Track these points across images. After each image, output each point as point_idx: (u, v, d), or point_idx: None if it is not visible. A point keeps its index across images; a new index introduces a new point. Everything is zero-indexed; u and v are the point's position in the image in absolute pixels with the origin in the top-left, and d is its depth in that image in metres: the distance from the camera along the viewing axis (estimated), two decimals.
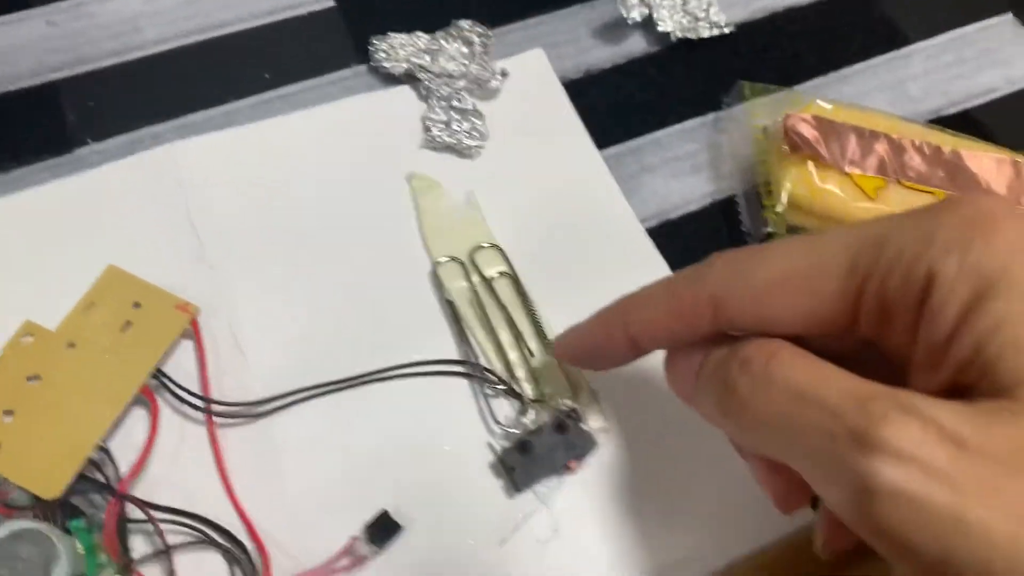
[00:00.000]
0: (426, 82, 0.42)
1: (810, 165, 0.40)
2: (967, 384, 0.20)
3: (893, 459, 0.18)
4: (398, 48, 0.43)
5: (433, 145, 0.41)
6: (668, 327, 0.27)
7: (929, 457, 0.18)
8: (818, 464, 0.21)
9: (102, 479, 0.32)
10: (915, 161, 0.41)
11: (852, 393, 0.20)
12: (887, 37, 0.49)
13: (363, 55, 0.44)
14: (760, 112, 0.43)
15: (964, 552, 0.17)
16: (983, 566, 0.17)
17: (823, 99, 0.42)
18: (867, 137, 0.41)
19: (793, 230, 0.41)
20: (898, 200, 0.40)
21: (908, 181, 0.40)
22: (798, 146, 0.40)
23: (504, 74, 0.43)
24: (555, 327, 0.37)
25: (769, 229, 0.40)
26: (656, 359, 0.29)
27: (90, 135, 0.40)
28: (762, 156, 0.42)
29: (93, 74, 0.42)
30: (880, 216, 0.23)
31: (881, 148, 0.41)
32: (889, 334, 0.22)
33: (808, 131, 0.40)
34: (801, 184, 0.40)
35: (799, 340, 0.24)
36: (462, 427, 0.35)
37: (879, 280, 0.22)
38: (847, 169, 0.40)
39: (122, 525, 0.31)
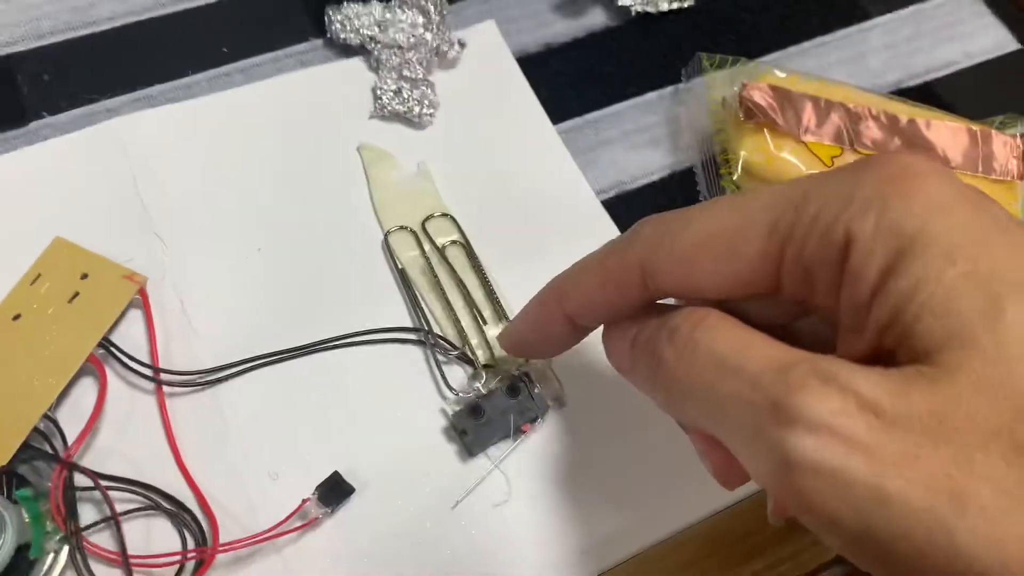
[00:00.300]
0: (376, 53, 0.42)
1: (766, 133, 0.40)
2: (889, 348, 0.19)
3: (811, 431, 0.18)
4: (353, 19, 0.43)
5: (383, 114, 0.41)
6: (602, 299, 0.26)
7: (847, 428, 0.18)
8: (741, 436, 0.20)
9: (49, 449, 0.32)
10: (872, 129, 0.41)
11: (772, 361, 0.20)
12: (847, 11, 0.49)
13: (320, 28, 0.44)
14: (718, 84, 0.43)
15: (884, 524, 0.17)
16: (903, 538, 0.17)
17: (779, 68, 0.42)
18: (823, 106, 0.41)
19: None
20: None
21: (864, 149, 0.40)
22: (754, 114, 0.40)
23: (462, 44, 0.43)
24: (508, 294, 0.37)
25: None
26: None
27: (45, 109, 0.40)
28: (719, 126, 0.42)
29: (48, 48, 0.42)
30: (804, 175, 0.23)
31: (837, 117, 0.41)
32: (814, 297, 0.22)
33: (763, 99, 0.40)
34: (757, 152, 0.40)
35: (736, 308, 0.23)
36: (415, 393, 0.35)
37: (799, 241, 0.21)
38: (803, 137, 0.40)
39: (69, 493, 0.31)
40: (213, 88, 0.42)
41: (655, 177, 0.42)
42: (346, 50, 0.43)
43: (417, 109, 0.41)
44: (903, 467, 0.17)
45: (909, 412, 0.17)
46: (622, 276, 0.25)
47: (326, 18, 0.43)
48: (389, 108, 0.41)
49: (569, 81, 0.45)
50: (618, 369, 0.28)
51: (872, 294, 0.19)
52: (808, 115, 0.41)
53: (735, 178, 0.40)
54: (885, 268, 0.19)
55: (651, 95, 0.45)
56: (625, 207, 0.41)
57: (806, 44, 0.48)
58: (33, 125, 0.40)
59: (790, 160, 0.40)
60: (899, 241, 0.19)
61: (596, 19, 0.47)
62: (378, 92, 0.41)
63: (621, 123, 0.44)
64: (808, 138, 0.40)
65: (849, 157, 0.40)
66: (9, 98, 0.40)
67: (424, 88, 0.41)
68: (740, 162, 0.40)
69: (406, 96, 0.41)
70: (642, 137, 0.43)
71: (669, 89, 0.45)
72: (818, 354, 0.19)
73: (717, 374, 0.21)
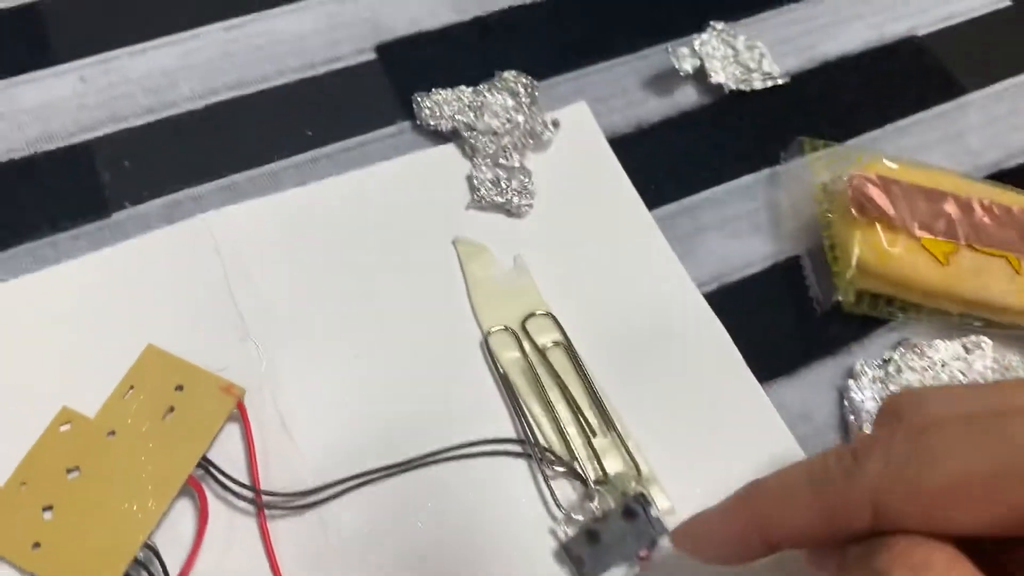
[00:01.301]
0: (471, 140, 0.41)
1: (879, 228, 0.38)
2: None
3: None
4: (443, 104, 0.41)
5: (481, 205, 0.40)
6: (815, 531, 0.24)
7: None
8: None
9: None
10: (985, 222, 0.39)
11: None
12: (942, 87, 0.48)
13: (408, 110, 0.42)
14: (820, 168, 0.42)
15: None
16: None
17: (888, 158, 0.41)
18: (935, 198, 0.39)
19: (862, 296, 0.39)
20: (970, 266, 0.38)
21: (979, 245, 0.39)
22: (865, 208, 0.38)
23: (556, 124, 0.41)
24: (614, 398, 0.36)
25: (839, 297, 0.38)
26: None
27: (128, 198, 0.39)
28: (825, 217, 0.40)
29: (128, 132, 0.40)
30: None
31: (950, 209, 0.39)
32: None
33: (876, 193, 0.39)
34: (869, 248, 0.38)
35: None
36: (523, 512, 0.34)
37: None
38: (916, 232, 0.38)
39: None
40: (300, 175, 0.40)
41: (757, 268, 0.41)
42: (435, 135, 0.41)
43: (516, 200, 0.39)
44: None
45: None
46: (845, 511, 0.22)
47: (414, 105, 0.41)
48: (487, 199, 0.39)
49: (662, 163, 0.43)
50: None
51: None
52: (921, 209, 0.39)
53: (849, 276, 0.38)
54: None
55: (747, 178, 0.43)
56: (729, 301, 0.39)
57: (902, 122, 0.46)
58: (116, 216, 0.38)
59: (904, 257, 0.38)
60: None
61: (688, 98, 0.45)
62: (475, 182, 0.39)
63: (719, 208, 0.42)
64: (922, 234, 0.38)
65: (964, 254, 0.39)
66: (90, 186, 0.39)
67: (522, 177, 0.40)
68: (854, 259, 0.38)
69: (504, 186, 0.39)
70: (741, 224, 0.42)
71: (765, 172, 0.43)
72: None
73: None
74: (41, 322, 0.35)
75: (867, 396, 0.37)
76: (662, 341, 0.38)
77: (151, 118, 0.41)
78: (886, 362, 0.38)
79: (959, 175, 0.41)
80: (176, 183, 0.39)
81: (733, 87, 0.45)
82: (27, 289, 0.35)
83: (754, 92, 0.45)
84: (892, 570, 0.20)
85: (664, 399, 0.37)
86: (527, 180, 0.40)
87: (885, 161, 0.40)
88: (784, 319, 0.39)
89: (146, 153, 0.40)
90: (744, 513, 0.26)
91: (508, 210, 0.40)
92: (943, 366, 0.38)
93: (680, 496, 0.34)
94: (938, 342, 0.38)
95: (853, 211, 0.38)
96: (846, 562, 0.22)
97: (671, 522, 0.33)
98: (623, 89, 0.45)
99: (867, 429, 0.36)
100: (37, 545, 0.30)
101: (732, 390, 0.37)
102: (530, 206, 0.40)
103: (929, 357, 0.38)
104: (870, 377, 0.37)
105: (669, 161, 0.43)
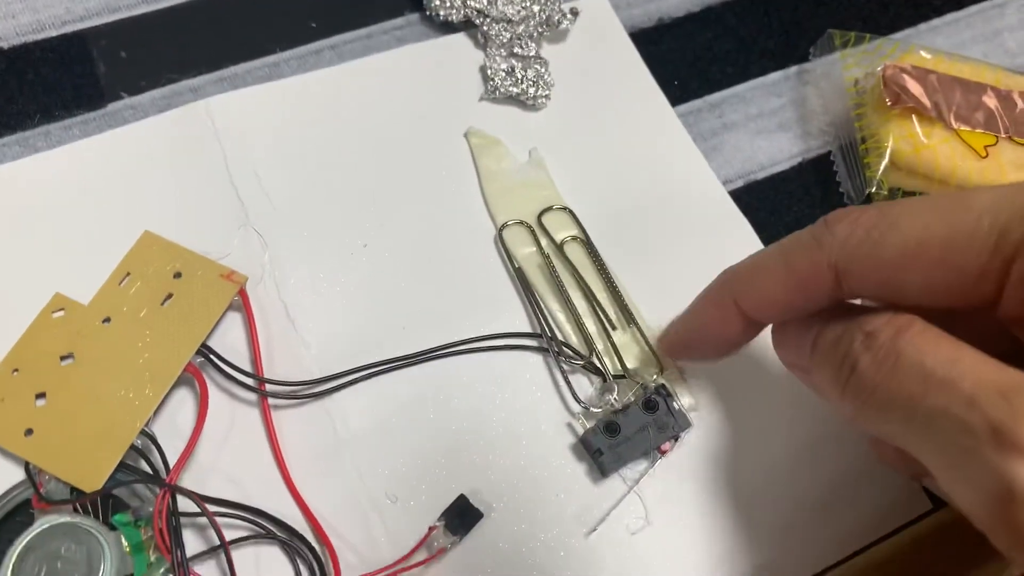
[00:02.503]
0: (484, 28, 0.38)
1: (914, 120, 0.36)
2: None
3: None
4: None
5: (495, 97, 0.38)
6: (784, 299, 0.25)
7: None
8: (948, 458, 0.19)
9: (147, 468, 0.29)
10: None
11: (992, 381, 0.18)
12: None
13: (416, 2, 0.40)
14: (852, 63, 0.39)
15: None
16: None
17: (924, 49, 0.38)
18: (973, 89, 0.37)
19: (895, 192, 0.37)
20: (1011, 159, 0.36)
21: (1021, 137, 0.37)
22: (900, 99, 0.36)
23: (574, 13, 0.39)
24: (634, 295, 0.34)
25: (871, 190, 0.36)
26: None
27: (123, 88, 0.37)
28: (859, 110, 0.38)
29: (125, 22, 0.38)
30: None
31: (989, 101, 0.37)
32: None
33: (911, 83, 0.36)
34: (904, 141, 0.36)
35: (926, 315, 0.21)
36: (539, 405, 0.32)
37: None
38: (953, 124, 0.36)
39: (173, 520, 0.28)
40: (303, 67, 0.38)
41: (786, 165, 0.39)
42: (445, 26, 0.39)
43: (532, 91, 0.37)
44: None
45: None
46: (811, 277, 0.24)
47: None
48: (502, 90, 0.37)
49: (685, 59, 0.41)
50: (790, 367, 0.26)
51: None
52: (958, 100, 0.37)
53: (882, 169, 0.36)
54: None
55: (775, 75, 0.41)
56: (756, 198, 0.37)
57: (936, 21, 0.44)
58: (112, 106, 0.36)
59: (941, 149, 0.36)
60: None
61: None
62: (488, 72, 0.37)
63: (745, 105, 0.40)
64: (959, 126, 0.36)
65: (1004, 147, 0.37)
66: (86, 76, 0.37)
67: (538, 67, 0.38)
68: (888, 151, 0.36)
69: (519, 76, 0.37)
70: (769, 121, 0.40)
71: (794, 69, 0.41)
72: None
73: (923, 387, 0.19)
74: (33, 208, 0.33)
75: None
76: (685, 238, 0.36)
77: (149, 8, 0.39)
78: None
79: (999, 68, 0.39)
80: (174, 74, 0.37)
81: None
82: (18, 174, 0.34)
83: None
84: (881, 328, 0.21)
85: (687, 297, 0.35)
86: (543, 71, 0.38)
87: (921, 52, 0.38)
88: (814, 217, 0.37)
89: (143, 43, 0.38)
90: (720, 292, 0.27)
91: (523, 102, 0.38)
92: None
93: (702, 390, 0.32)
94: None
95: (887, 101, 0.36)
96: (823, 338, 0.23)
97: (697, 419, 0.32)
98: None
99: None
100: (30, 432, 0.29)
101: None
102: (547, 98, 0.38)
103: None
104: None
105: (692, 57, 0.41)
